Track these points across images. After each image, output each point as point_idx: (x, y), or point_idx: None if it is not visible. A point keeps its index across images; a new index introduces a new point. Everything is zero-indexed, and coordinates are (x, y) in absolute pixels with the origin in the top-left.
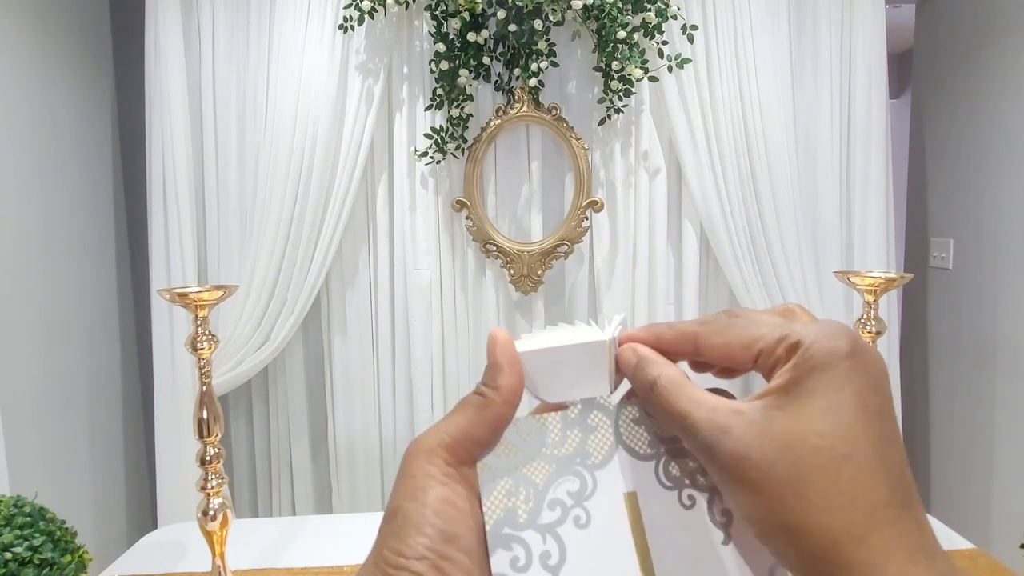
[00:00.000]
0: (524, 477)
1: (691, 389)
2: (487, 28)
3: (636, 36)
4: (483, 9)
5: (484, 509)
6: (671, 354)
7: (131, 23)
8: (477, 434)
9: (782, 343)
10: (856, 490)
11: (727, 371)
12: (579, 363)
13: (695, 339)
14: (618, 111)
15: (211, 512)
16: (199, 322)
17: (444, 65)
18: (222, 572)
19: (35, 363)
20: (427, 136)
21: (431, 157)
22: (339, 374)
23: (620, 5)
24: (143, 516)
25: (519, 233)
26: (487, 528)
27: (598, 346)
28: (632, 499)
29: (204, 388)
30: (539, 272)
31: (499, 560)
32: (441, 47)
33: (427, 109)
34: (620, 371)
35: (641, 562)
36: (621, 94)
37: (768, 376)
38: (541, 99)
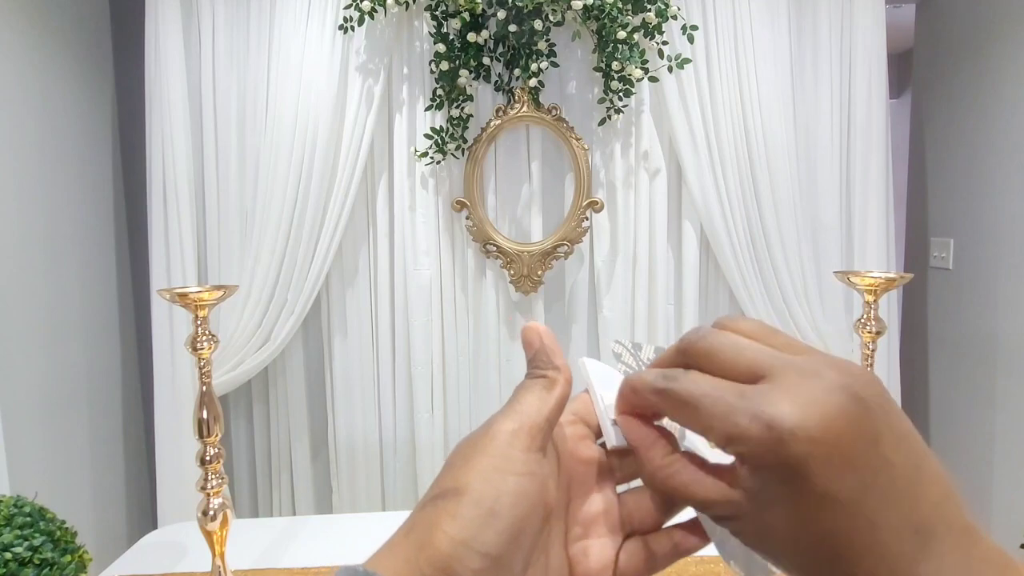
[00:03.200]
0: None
1: (683, 477)
2: (487, 28)
3: (636, 36)
4: (483, 9)
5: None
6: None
7: (131, 23)
8: (551, 416)
9: (766, 443)
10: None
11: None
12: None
13: (660, 411)
14: (618, 111)
15: (211, 512)
16: (199, 322)
17: (444, 65)
18: (222, 572)
19: (35, 363)
20: (427, 136)
21: (431, 157)
22: (339, 374)
23: (620, 5)
24: (143, 516)
25: (519, 233)
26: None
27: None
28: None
29: (204, 388)
30: (539, 272)
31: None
32: (441, 47)
33: (427, 109)
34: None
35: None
36: (621, 94)
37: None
38: (541, 99)
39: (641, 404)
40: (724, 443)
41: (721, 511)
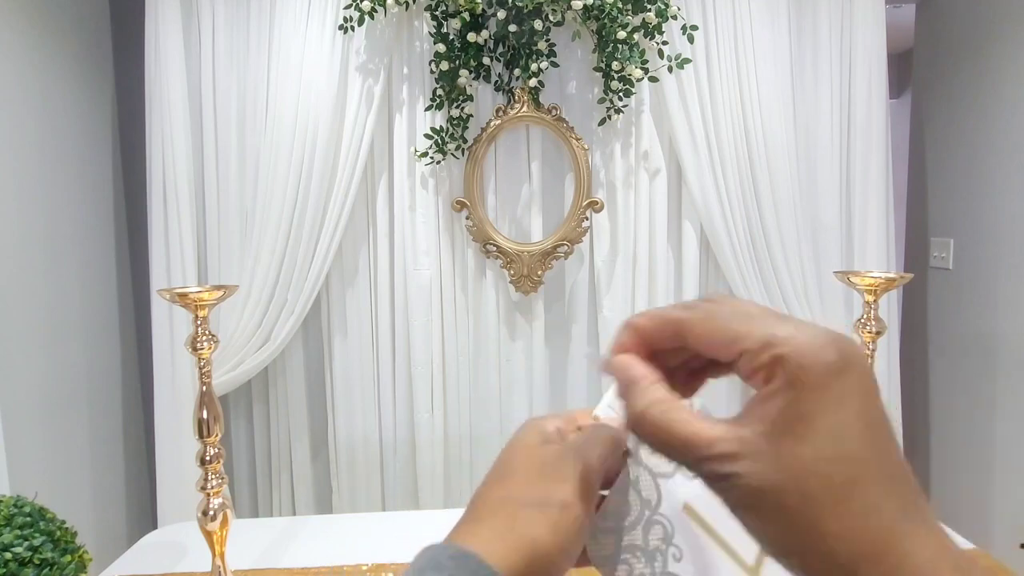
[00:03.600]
0: (626, 546)
1: (684, 415)
2: (487, 28)
3: (636, 36)
4: (483, 9)
5: None
6: (656, 346)
7: (131, 23)
8: (609, 468)
9: (767, 350)
10: (869, 512)
11: (713, 368)
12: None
13: (678, 326)
14: (618, 111)
15: (211, 512)
16: (199, 322)
17: (444, 65)
18: (222, 572)
19: (35, 363)
20: (427, 136)
21: (431, 157)
22: (339, 374)
23: (620, 5)
24: (143, 516)
25: (519, 233)
26: None
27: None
28: (690, 510)
29: (204, 388)
30: (539, 272)
31: None
32: (441, 47)
33: (427, 109)
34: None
35: (729, 553)
36: (621, 94)
37: (748, 378)
38: (541, 99)
39: (655, 333)
40: (761, 347)
41: (725, 448)
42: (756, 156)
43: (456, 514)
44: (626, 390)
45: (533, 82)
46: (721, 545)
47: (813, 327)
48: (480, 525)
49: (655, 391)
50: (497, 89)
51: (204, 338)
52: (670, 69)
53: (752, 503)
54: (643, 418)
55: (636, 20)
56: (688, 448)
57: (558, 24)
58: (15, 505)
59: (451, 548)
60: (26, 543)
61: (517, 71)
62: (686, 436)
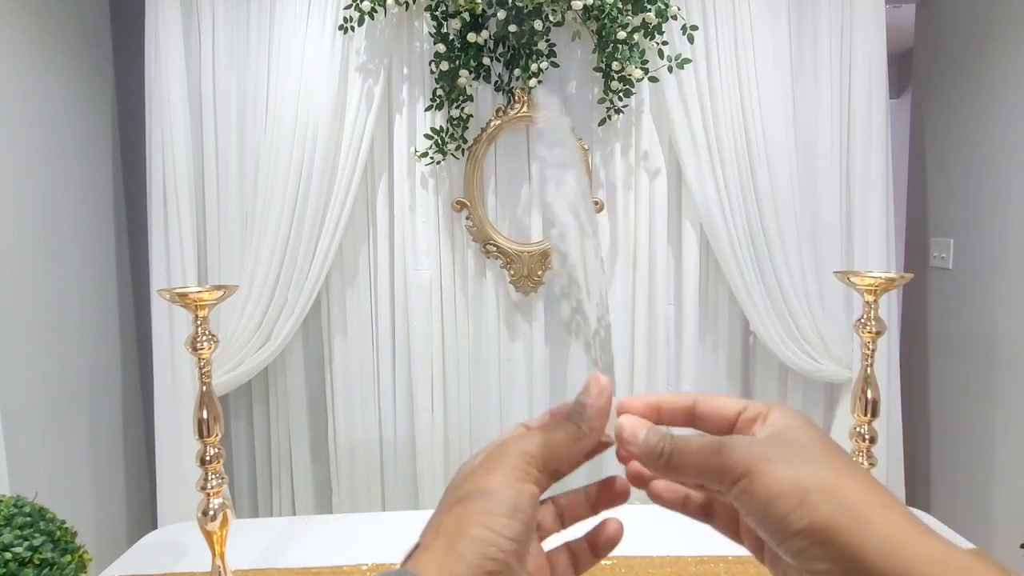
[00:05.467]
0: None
1: (691, 440)
2: (487, 28)
3: (636, 36)
4: (483, 10)
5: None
6: (668, 417)
7: (131, 23)
8: (567, 458)
9: (758, 408)
10: (837, 470)
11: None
12: None
13: (692, 400)
14: (618, 111)
15: (211, 512)
16: (199, 322)
17: (444, 66)
18: (222, 572)
19: (35, 363)
20: (427, 136)
21: (431, 157)
22: (339, 374)
23: (620, 5)
24: (143, 516)
25: (519, 233)
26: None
27: None
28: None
29: (204, 388)
30: (539, 272)
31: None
32: (441, 48)
33: (427, 110)
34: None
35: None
36: (621, 94)
37: (743, 428)
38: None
39: (671, 403)
40: (758, 405)
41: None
42: (756, 156)
43: None
44: (645, 442)
45: (533, 82)
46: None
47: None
48: (423, 546)
49: (668, 436)
50: (497, 89)
51: (204, 338)
52: (670, 69)
53: (742, 470)
54: (670, 456)
55: (636, 20)
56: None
57: (558, 24)
58: (15, 505)
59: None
60: (26, 543)
61: (517, 71)
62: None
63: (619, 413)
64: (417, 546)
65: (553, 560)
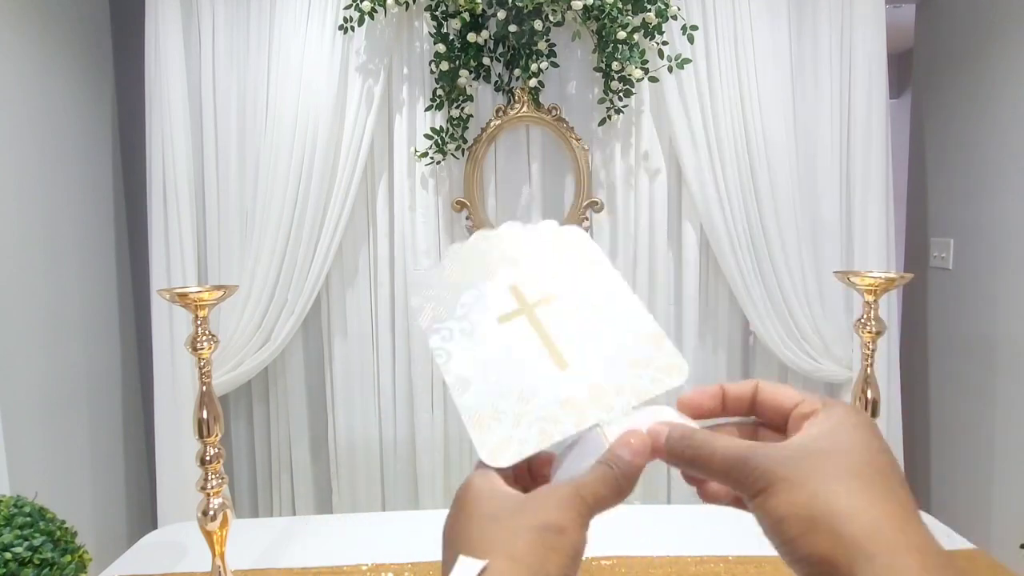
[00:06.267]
0: (436, 297)
1: (725, 435)
2: (487, 29)
3: (636, 36)
4: (483, 10)
5: (420, 321)
6: (733, 400)
7: (131, 23)
8: (606, 507)
9: (816, 402)
10: (879, 492)
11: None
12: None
13: (755, 385)
14: (618, 111)
15: (211, 512)
16: (199, 322)
17: (444, 66)
18: (222, 572)
19: (35, 363)
20: (427, 137)
21: (431, 158)
22: (339, 374)
23: (620, 5)
24: (143, 516)
25: None
26: (424, 328)
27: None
28: (516, 289)
29: (204, 388)
30: None
31: (434, 340)
32: (441, 48)
33: (427, 110)
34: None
35: (533, 322)
36: (621, 94)
37: (797, 424)
38: (541, 99)
39: (737, 390)
40: (813, 400)
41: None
42: (756, 156)
43: None
44: (677, 445)
45: (533, 82)
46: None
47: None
48: (498, 568)
49: (697, 432)
50: (497, 89)
51: (204, 338)
52: (670, 69)
53: (764, 482)
54: (709, 457)
55: (636, 20)
56: (740, 461)
57: (558, 24)
58: (15, 505)
59: None
60: (26, 543)
61: (517, 71)
62: (735, 453)
63: (682, 406)
64: (485, 569)
65: None
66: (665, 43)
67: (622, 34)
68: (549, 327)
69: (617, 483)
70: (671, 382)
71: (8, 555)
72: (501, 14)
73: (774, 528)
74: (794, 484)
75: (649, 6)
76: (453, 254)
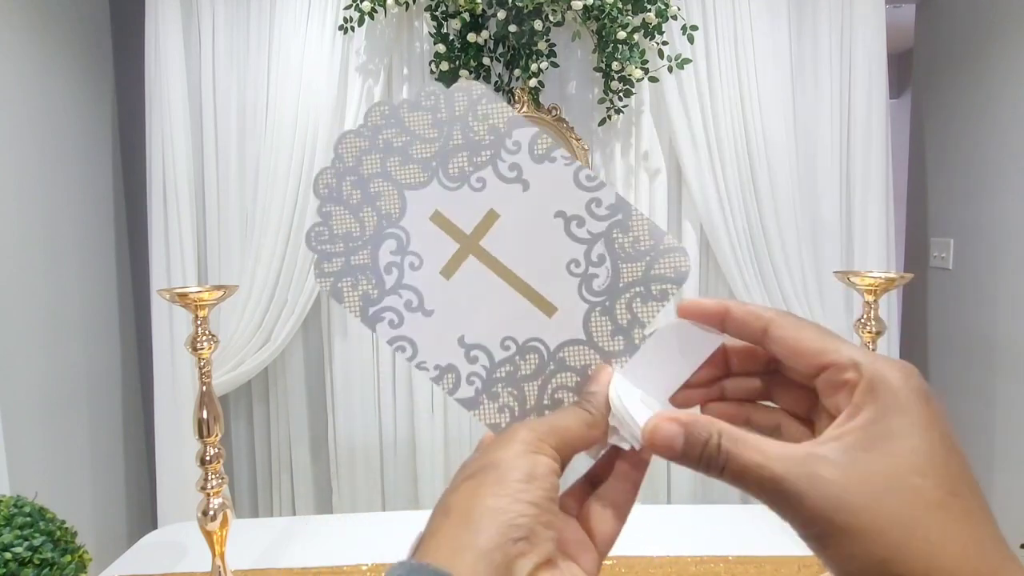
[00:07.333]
0: (354, 267)
1: (754, 439)
2: (487, 29)
3: (636, 36)
4: (483, 10)
5: (348, 309)
6: (736, 333)
7: (131, 23)
8: (578, 444)
9: (855, 368)
10: (968, 528)
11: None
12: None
13: (767, 324)
14: (618, 112)
15: (211, 512)
16: (199, 322)
17: (444, 66)
18: (222, 572)
19: (35, 363)
20: None
21: None
22: (339, 375)
23: (620, 5)
24: (143, 516)
25: None
26: (359, 319)
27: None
28: (439, 217)
29: (204, 388)
30: None
31: (382, 331)
32: (441, 48)
33: None
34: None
35: (480, 256)
36: (621, 94)
37: (829, 393)
38: (541, 100)
39: (741, 321)
40: (850, 363)
41: (791, 479)
42: (756, 156)
43: None
44: (689, 428)
45: (533, 82)
46: (477, 252)
47: (899, 361)
48: (430, 530)
49: (720, 422)
50: (497, 89)
51: (204, 338)
52: (670, 69)
53: (835, 518)
54: (713, 446)
55: (636, 20)
56: (759, 468)
57: (558, 24)
58: (15, 505)
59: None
60: (26, 543)
61: (517, 71)
62: (756, 459)
63: (681, 314)
64: (423, 536)
65: (591, 522)
66: (665, 43)
67: (622, 34)
68: (508, 262)
69: (574, 410)
70: (676, 278)
71: (8, 555)
72: (501, 14)
73: (837, 572)
74: (864, 536)
75: (649, 6)
76: (341, 175)
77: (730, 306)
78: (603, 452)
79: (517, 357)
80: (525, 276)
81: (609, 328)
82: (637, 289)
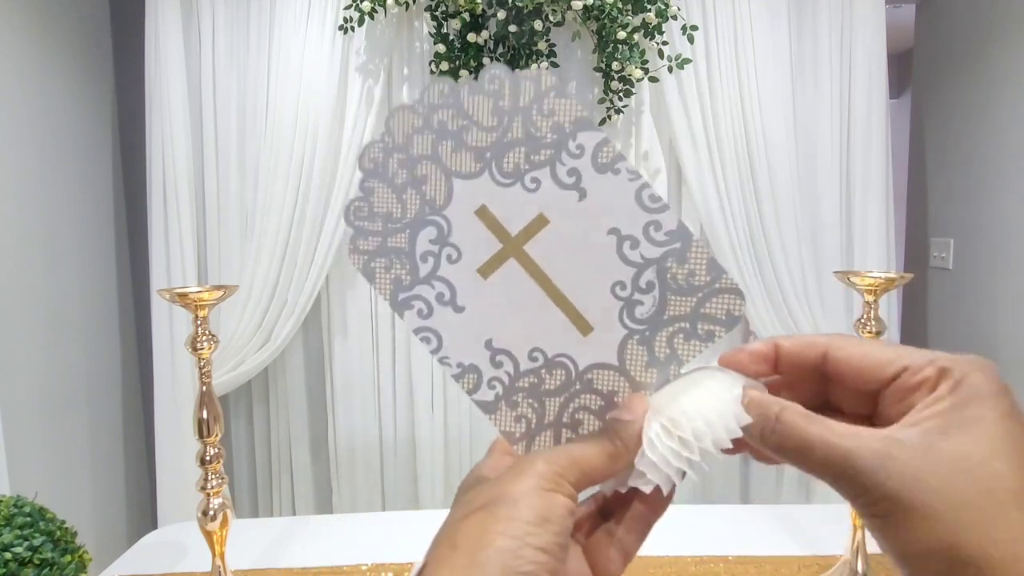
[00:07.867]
0: (390, 249)
1: (822, 418)
2: (487, 29)
3: (636, 36)
4: (483, 10)
5: (378, 291)
6: (791, 366)
7: (131, 23)
8: (599, 477)
9: (932, 364)
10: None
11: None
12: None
13: (825, 348)
14: (618, 112)
15: (211, 512)
16: (199, 322)
17: (444, 66)
18: (222, 572)
19: (35, 363)
20: None
21: None
22: (339, 375)
23: (620, 5)
24: (143, 516)
25: None
26: (388, 302)
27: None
28: (485, 213)
29: (204, 388)
30: None
31: (410, 319)
32: (441, 48)
33: None
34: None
35: (522, 260)
36: (621, 94)
37: (903, 396)
38: None
39: (795, 354)
40: (926, 362)
41: (864, 459)
42: (756, 156)
43: None
44: (752, 403)
45: None
46: (516, 254)
47: (973, 356)
48: (434, 560)
49: (785, 401)
50: None
51: (204, 338)
52: (670, 69)
53: (910, 497)
54: (778, 420)
55: (636, 20)
56: (831, 447)
57: (558, 24)
58: (15, 505)
59: None
60: (26, 543)
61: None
62: (828, 436)
63: (722, 363)
64: (426, 564)
65: (597, 557)
66: (665, 43)
67: (622, 34)
68: (550, 272)
69: (599, 440)
70: (727, 322)
71: (8, 555)
72: (501, 14)
73: (903, 559)
74: (935, 518)
75: (649, 6)
76: (390, 151)
77: (779, 343)
78: (616, 489)
79: (543, 370)
80: (566, 290)
81: (644, 359)
82: (682, 325)
